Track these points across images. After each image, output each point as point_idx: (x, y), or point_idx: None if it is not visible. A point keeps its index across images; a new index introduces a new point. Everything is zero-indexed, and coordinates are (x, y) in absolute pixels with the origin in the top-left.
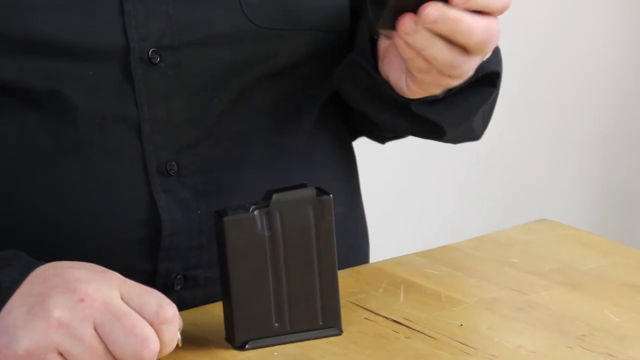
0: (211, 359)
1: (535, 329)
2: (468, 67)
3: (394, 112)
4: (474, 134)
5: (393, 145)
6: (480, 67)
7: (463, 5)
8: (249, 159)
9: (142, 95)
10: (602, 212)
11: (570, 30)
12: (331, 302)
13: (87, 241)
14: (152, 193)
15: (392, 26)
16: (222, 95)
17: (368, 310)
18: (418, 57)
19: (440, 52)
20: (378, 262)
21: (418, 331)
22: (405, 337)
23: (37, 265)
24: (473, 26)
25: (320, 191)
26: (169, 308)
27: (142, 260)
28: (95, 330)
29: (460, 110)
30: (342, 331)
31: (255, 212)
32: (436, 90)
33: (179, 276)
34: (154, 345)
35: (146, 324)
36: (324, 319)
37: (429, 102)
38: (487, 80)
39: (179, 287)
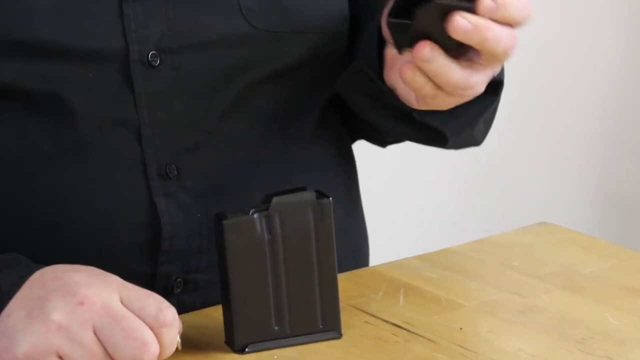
0: None
1: (536, 332)
2: (480, 86)
3: (397, 119)
4: (475, 140)
5: (393, 148)
6: None
7: (489, 14)
8: (248, 162)
9: (141, 98)
10: (602, 215)
11: (570, 34)
12: (331, 305)
13: (87, 244)
14: (151, 196)
15: (411, 46)
16: (221, 98)
17: (368, 313)
18: (427, 85)
19: (454, 77)
20: (378, 265)
21: (418, 335)
22: (405, 340)
23: (37, 269)
24: (501, 34)
25: (320, 194)
26: (169, 311)
27: (142, 263)
28: (95, 333)
29: (463, 118)
30: (341, 334)
31: (255, 216)
32: (446, 107)
33: (178, 279)
34: (154, 348)
35: (146, 327)
36: (324, 323)
37: (432, 111)
38: (490, 88)
39: (178, 290)
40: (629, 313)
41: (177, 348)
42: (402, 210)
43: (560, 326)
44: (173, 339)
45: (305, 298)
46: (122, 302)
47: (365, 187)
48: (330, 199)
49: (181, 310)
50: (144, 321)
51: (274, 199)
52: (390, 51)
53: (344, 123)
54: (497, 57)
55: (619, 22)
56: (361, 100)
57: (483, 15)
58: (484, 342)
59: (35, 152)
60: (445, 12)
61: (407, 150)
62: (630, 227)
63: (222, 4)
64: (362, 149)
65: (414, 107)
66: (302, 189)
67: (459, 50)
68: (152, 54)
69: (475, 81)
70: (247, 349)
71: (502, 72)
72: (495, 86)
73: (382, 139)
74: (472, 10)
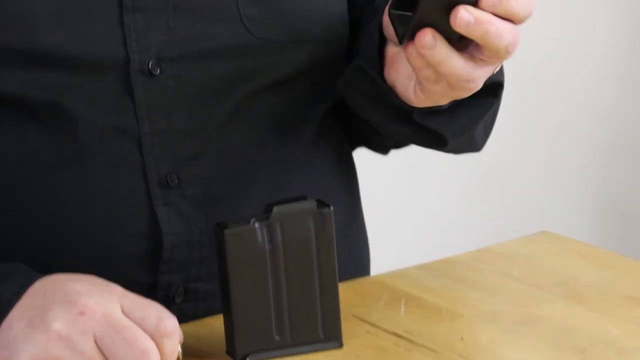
0: None
1: (536, 342)
2: (481, 80)
3: (397, 120)
4: (475, 145)
5: (393, 156)
6: None
7: (492, 8)
8: (249, 170)
9: (142, 108)
10: (602, 224)
11: (570, 40)
12: (332, 315)
13: (88, 253)
14: (152, 205)
15: (412, 37)
16: (222, 107)
17: (369, 323)
18: (428, 67)
19: (456, 68)
20: (379, 275)
21: (419, 344)
22: (406, 350)
23: (37, 278)
24: (503, 29)
25: (321, 203)
26: (170, 321)
27: (143, 272)
28: (96, 343)
29: (463, 120)
30: (342, 344)
31: (256, 225)
32: (444, 101)
33: (179, 289)
34: (155, 358)
35: (147, 336)
36: (325, 332)
37: (433, 112)
38: (489, 90)
39: (179, 299)
40: (629, 322)
41: (178, 358)
42: (403, 218)
43: (561, 336)
44: (174, 348)
45: (306, 307)
46: (123, 312)
47: (365, 194)
48: (331, 208)
49: (182, 319)
50: (145, 331)
51: (275, 208)
52: (391, 49)
53: (345, 130)
54: (498, 53)
55: (619, 31)
56: (362, 100)
57: (486, 9)
58: (484, 351)
59: (35, 160)
60: (447, 4)
61: (408, 158)
62: (631, 234)
63: (223, 13)
64: (362, 157)
65: (413, 103)
66: (303, 198)
67: (460, 44)
68: (153, 63)
69: (477, 74)
70: (247, 359)
71: (502, 74)
72: (494, 88)
73: (382, 144)
74: (474, 3)
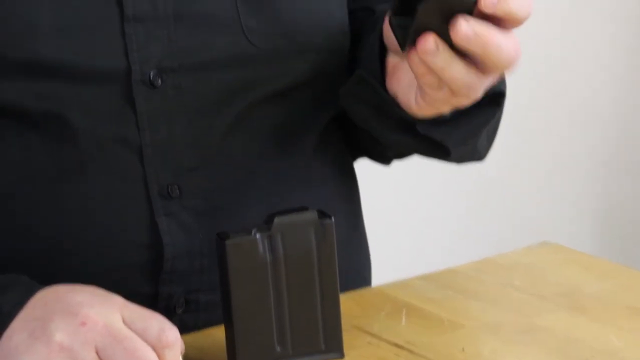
0: None
1: (538, 352)
2: (482, 88)
3: (399, 130)
4: (478, 154)
5: (394, 166)
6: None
7: (491, 9)
8: (250, 181)
9: (143, 118)
10: (602, 234)
11: (570, 54)
12: (333, 325)
13: (89, 264)
14: (153, 216)
15: (414, 43)
16: (223, 118)
17: (370, 334)
18: (430, 73)
19: (458, 73)
20: (380, 285)
21: (420, 355)
22: None
23: (39, 289)
24: (504, 43)
25: (322, 214)
26: (171, 332)
27: (144, 283)
28: (97, 354)
29: (466, 130)
30: (344, 355)
31: (257, 236)
32: (446, 110)
33: (180, 299)
34: None
35: (148, 347)
36: (326, 343)
37: (435, 122)
38: (491, 99)
39: (180, 310)
40: (632, 333)
41: None
42: (404, 228)
43: (564, 346)
44: (175, 359)
45: (307, 318)
46: (124, 322)
47: (366, 204)
48: (332, 218)
49: (183, 330)
50: (146, 341)
51: (276, 219)
52: (392, 59)
53: (346, 140)
54: (498, 67)
55: (618, 45)
56: (364, 111)
57: (485, 9)
58: None
59: (36, 171)
60: (447, 9)
61: (409, 168)
62: (630, 248)
63: (224, 24)
64: (363, 167)
65: (415, 113)
66: (304, 208)
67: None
68: (154, 73)
69: (479, 81)
70: None
71: (504, 83)
72: (496, 97)
73: (384, 154)
74: (472, 5)
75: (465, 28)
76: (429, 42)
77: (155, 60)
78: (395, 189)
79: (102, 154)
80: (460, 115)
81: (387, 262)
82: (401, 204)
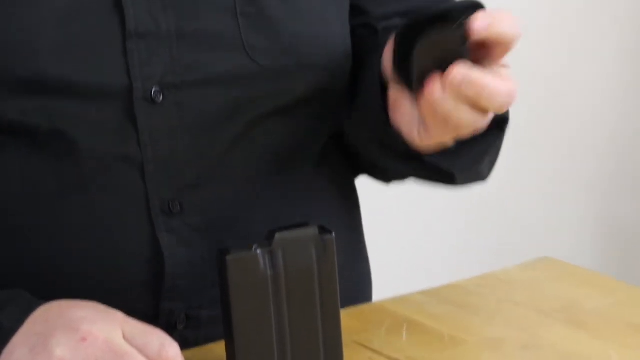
0: None
1: None
2: (485, 123)
3: (404, 160)
4: (481, 176)
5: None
6: None
7: (484, 33)
8: (251, 197)
9: (145, 135)
10: (602, 251)
11: (571, 69)
12: (333, 341)
13: (90, 280)
14: (155, 232)
15: (421, 85)
16: (224, 135)
17: (371, 349)
18: (437, 115)
19: (464, 115)
20: (381, 301)
21: None
22: None
23: (40, 305)
24: (497, 90)
25: (323, 230)
26: (172, 348)
27: (145, 299)
28: None
29: (471, 156)
30: None
31: (258, 251)
32: (449, 142)
33: (182, 315)
34: None
35: None
36: (327, 358)
37: (440, 151)
38: (494, 124)
39: (182, 326)
40: (632, 349)
41: None
42: (405, 244)
43: None
44: None
45: (307, 334)
46: (125, 338)
47: (367, 220)
48: (333, 234)
49: (184, 346)
50: (147, 357)
51: (277, 235)
52: (393, 93)
53: (347, 159)
54: (493, 109)
55: (620, 60)
56: (368, 143)
57: (478, 34)
58: None
59: (38, 188)
60: (441, 46)
61: (410, 185)
62: (631, 263)
63: (226, 41)
64: (364, 182)
65: (417, 145)
66: (305, 224)
67: None
68: (156, 90)
69: (482, 119)
70: None
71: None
72: (500, 123)
73: (385, 176)
74: (464, 38)
75: (457, 77)
76: (436, 89)
77: (157, 77)
78: (396, 203)
79: (104, 170)
80: (464, 143)
81: (388, 278)
82: (402, 219)
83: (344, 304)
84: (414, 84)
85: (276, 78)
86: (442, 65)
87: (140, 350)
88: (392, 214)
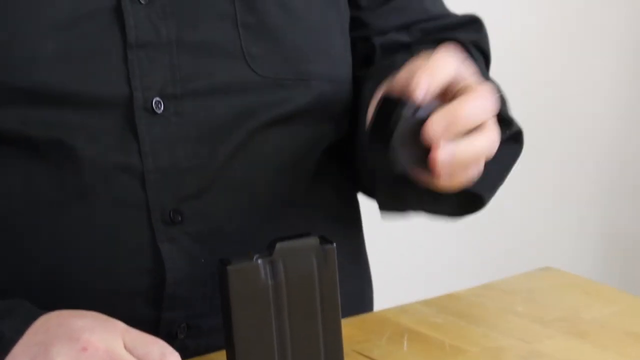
0: None
1: None
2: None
3: (432, 200)
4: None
5: None
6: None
7: (441, 139)
8: (252, 207)
9: (145, 145)
10: (603, 261)
11: (572, 80)
12: (334, 351)
13: (91, 290)
14: (155, 242)
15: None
16: (225, 144)
17: (371, 359)
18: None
19: (459, 182)
20: (382, 310)
21: None
22: None
23: (40, 314)
24: (480, 149)
25: (324, 240)
26: (172, 357)
27: (146, 308)
28: None
29: (495, 174)
30: None
31: (259, 261)
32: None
33: (182, 325)
34: None
35: None
36: None
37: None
38: (511, 139)
39: (182, 335)
40: (633, 359)
41: None
42: (406, 253)
43: None
44: None
45: (308, 344)
46: (126, 348)
47: (368, 229)
48: (334, 244)
49: (185, 355)
50: None
51: (278, 245)
52: None
53: (348, 170)
54: (483, 158)
55: (621, 71)
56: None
57: (435, 141)
58: None
59: (39, 198)
60: (413, 130)
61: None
62: (632, 272)
63: (226, 51)
64: None
65: (438, 189)
66: (306, 234)
67: None
68: (156, 100)
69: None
70: None
71: (515, 123)
72: (515, 136)
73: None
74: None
75: (444, 156)
76: (424, 176)
77: (157, 87)
78: None
79: (104, 180)
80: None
81: (389, 288)
82: (403, 228)
83: (345, 313)
84: (407, 168)
85: (276, 88)
86: (415, 146)
87: None
88: (393, 224)
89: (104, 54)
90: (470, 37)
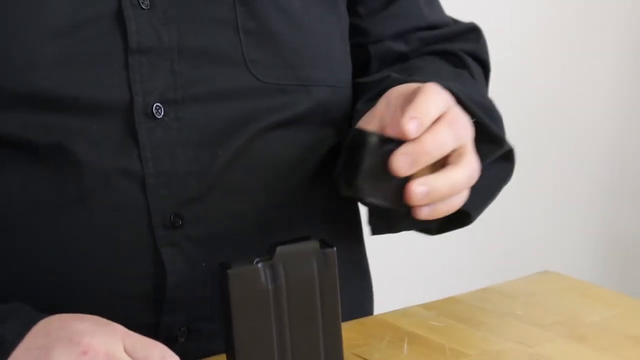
0: None
1: None
2: (463, 197)
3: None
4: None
5: None
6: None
7: (409, 171)
8: (252, 211)
9: (146, 149)
10: (603, 264)
11: (572, 80)
12: (335, 354)
13: (91, 294)
14: (156, 246)
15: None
16: (225, 149)
17: None
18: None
19: (449, 205)
20: (382, 314)
21: None
22: None
23: (41, 318)
24: (458, 181)
25: (324, 243)
26: None
27: (146, 312)
28: None
29: (484, 192)
30: None
31: (259, 265)
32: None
33: (183, 328)
34: None
35: None
36: None
37: None
38: (503, 157)
39: (183, 339)
40: None
41: None
42: (406, 257)
43: None
44: None
45: (309, 347)
46: (126, 351)
47: (368, 233)
48: (334, 248)
49: (185, 359)
50: None
51: (278, 249)
52: None
53: None
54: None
55: (622, 72)
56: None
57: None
58: None
59: (39, 202)
60: (383, 164)
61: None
62: (632, 271)
63: (227, 57)
64: None
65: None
66: (306, 237)
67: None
68: (157, 105)
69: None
70: None
71: (506, 142)
72: (506, 154)
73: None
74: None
75: (419, 189)
76: (423, 210)
77: (158, 92)
78: None
79: (105, 184)
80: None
81: (389, 291)
82: (402, 232)
83: (345, 317)
84: (368, 203)
85: (277, 93)
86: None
87: None
88: None
89: (104, 59)
90: (469, 47)
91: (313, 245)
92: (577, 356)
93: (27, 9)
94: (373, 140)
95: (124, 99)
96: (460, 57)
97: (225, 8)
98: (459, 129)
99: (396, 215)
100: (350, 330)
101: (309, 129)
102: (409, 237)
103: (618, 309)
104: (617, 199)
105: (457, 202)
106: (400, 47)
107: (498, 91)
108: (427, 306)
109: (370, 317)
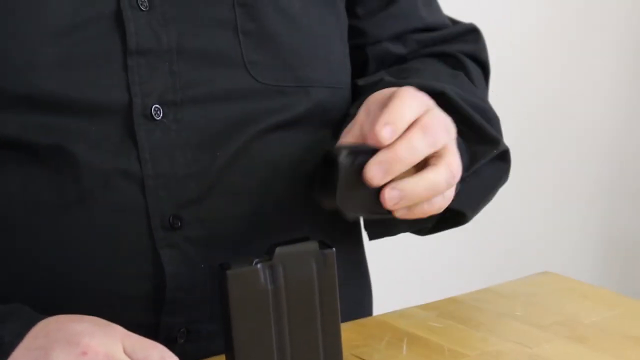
0: None
1: None
2: (448, 197)
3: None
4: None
5: None
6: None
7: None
8: (252, 212)
9: (145, 151)
10: (603, 265)
11: (572, 80)
12: (334, 355)
13: (90, 295)
14: (155, 247)
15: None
16: (224, 150)
17: None
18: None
19: (431, 205)
20: (381, 314)
21: None
22: None
23: (40, 319)
24: (435, 181)
25: (323, 244)
26: None
27: (146, 313)
28: None
29: (480, 192)
30: None
31: (259, 266)
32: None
33: (182, 329)
34: None
35: None
36: None
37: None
38: (498, 157)
39: (182, 340)
40: None
41: None
42: (405, 258)
43: None
44: None
45: (308, 348)
46: (125, 352)
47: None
48: (334, 249)
49: None
50: None
51: (277, 249)
52: None
53: None
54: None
55: (621, 73)
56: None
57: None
58: None
59: (38, 203)
60: (358, 175)
61: None
62: (632, 271)
63: (226, 58)
64: None
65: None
66: (306, 238)
67: None
68: (155, 107)
69: (439, 199)
70: None
71: (502, 143)
72: (502, 155)
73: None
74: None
75: (392, 194)
76: (399, 213)
77: (157, 94)
78: None
79: (104, 185)
80: (471, 179)
81: (388, 292)
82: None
83: (344, 318)
84: (350, 216)
85: (276, 94)
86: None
87: None
88: None
89: (104, 60)
90: (467, 48)
91: (312, 245)
92: (577, 357)
93: (27, 9)
94: (344, 155)
95: (123, 100)
96: (458, 59)
97: (224, 9)
98: (434, 133)
99: (389, 220)
100: (349, 331)
101: (308, 130)
102: (409, 238)
103: (618, 310)
104: (617, 199)
105: (439, 202)
106: (398, 49)
107: (498, 91)
108: (427, 307)
109: (369, 317)
